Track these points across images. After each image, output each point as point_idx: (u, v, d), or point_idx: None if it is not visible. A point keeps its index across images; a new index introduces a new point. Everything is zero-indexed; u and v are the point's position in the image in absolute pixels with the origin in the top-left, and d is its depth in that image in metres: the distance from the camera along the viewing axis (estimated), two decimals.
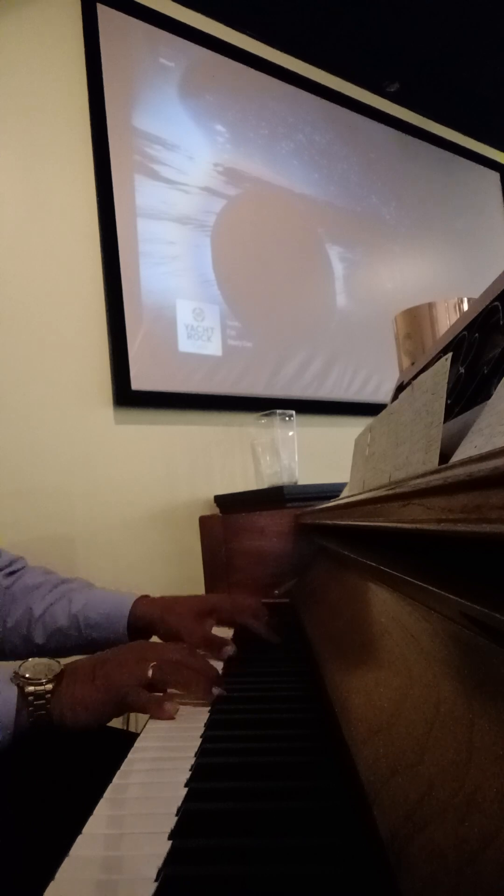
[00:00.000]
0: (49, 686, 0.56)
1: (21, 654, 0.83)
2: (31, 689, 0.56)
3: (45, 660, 0.60)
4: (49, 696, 0.56)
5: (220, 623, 0.84)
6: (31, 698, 0.55)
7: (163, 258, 1.88)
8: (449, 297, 1.23)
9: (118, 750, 0.48)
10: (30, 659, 0.59)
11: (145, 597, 0.85)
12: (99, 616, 0.81)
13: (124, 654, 0.63)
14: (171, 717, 0.55)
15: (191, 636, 0.76)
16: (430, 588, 0.36)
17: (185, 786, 0.40)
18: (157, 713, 0.55)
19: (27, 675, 0.57)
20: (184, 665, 0.60)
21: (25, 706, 0.55)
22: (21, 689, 0.56)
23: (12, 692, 0.56)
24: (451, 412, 0.53)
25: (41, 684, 0.56)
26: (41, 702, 0.55)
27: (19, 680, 0.57)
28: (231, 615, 0.85)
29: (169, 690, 0.59)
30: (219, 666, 0.67)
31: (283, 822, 0.34)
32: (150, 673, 0.58)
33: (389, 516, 0.43)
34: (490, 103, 2.76)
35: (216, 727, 0.51)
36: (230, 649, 0.74)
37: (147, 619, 0.81)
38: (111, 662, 0.61)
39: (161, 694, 0.58)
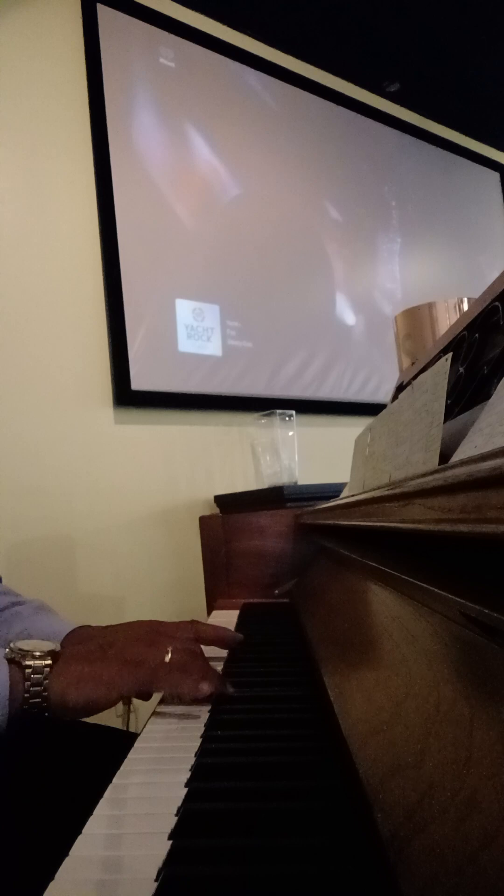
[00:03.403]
0: (48, 661, 0.52)
1: None
2: (28, 662, 0.51)
3: (39, 641, 0.56)
4: (47, 670, 0.51)
5: None
6: (28, 671, 0.51)
7: (163, 258, 1.88)
8: (449, 297, 1.23)
9: (118, 750, 0.48)
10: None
11: (85, 626, 0.76)
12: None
13: (135, 631, 0.59)
14: (220, 691, 0.54)
15: None
16: (430, 588, 0.36)
17: (185, 786, 0.40)
18: (208, 687, 0.53)
19: (24, 649, 0.52)
20: (197, 655, 0.59)
21: (22, 681, 0.50)
22: (17, 663, 0.51)
23: (4, 667, 0.51)
24: (451, 412, 0.53)
25: (37, 658, 0.51)
26: (39, 676, 0.50)
27: (15, 654, 0.52)
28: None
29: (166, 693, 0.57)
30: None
31: (283, 822, 0.34)
32: (167, 658, 0.55)
33: (389, 516, 0.43)
34: (490, 103, 2.76)
35: (216, 727, 0.51)
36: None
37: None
38: (123, 640, 0.57)
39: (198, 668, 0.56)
